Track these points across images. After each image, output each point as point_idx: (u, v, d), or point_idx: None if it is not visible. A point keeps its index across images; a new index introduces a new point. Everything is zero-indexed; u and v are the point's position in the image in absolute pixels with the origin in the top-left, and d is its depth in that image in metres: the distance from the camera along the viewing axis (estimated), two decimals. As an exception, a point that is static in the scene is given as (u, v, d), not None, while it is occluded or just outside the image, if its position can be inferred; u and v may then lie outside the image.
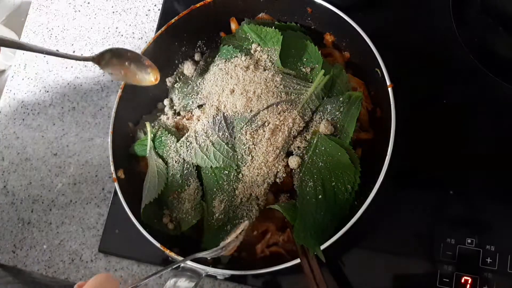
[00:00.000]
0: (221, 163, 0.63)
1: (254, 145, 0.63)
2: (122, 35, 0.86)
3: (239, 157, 0.63)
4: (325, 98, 0.64)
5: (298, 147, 0.63)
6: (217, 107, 0.66)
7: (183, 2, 0.82)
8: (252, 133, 0.63)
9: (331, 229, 0.59)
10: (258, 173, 0.62)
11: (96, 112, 0.82)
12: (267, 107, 0.63)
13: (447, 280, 0.62)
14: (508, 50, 0.71)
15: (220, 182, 0.63)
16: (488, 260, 0.61)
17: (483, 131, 0.68)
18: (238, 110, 0.64)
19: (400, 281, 0.64)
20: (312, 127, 0.63)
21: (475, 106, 0.69)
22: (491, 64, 0.70)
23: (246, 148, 0.63)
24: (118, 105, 0.68)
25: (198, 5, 0.69)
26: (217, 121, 0.65)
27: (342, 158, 0.60)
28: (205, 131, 0.65)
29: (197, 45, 0.75)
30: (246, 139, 0.63)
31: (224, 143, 0.63)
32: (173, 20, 0.70)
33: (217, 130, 0.64)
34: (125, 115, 0.69)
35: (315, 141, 0.62)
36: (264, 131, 0.63)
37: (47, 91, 0.85)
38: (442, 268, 0.62)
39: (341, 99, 0.63)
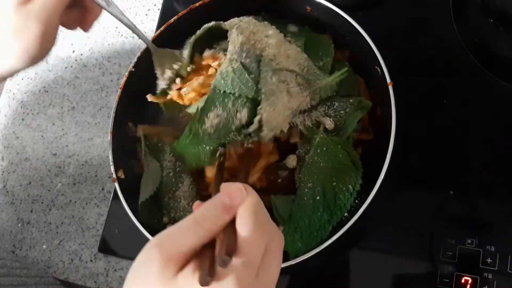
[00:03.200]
0: (236, 90, 0.59)
1: (276, 92, 0.60)
2: (122, 35, 0.86)
3: (260, 91, 0.59)
4: (335, 93, 0.64)
5: (299, 146, 0.63)
6: (248, 38, 0.63)
7: (183, 1, 0.82)
8: (278, 80, 0.60)
9: (327, 228, 0.59)
10: (272, 118, 0.59)
11: (96, 112, 0.82)
12: (290, 70, 0.61)
13: (447, 280, 0.62)
14: (508, 50, 0.71)
15: (226, 100, 0.60)
16: (489, 260, 0.61)
17: (483, 131, 0.68)
18: (267, 55, 0.61)
19: (400, 281, 0.64)
20: (313, 116, 0.63)
21: (475, 106, 0.69)
22: (491, 64, 0.70)
23: (268, 88, 0.59)
24: (118, 105, 0.68)
25: (197, 4, 0.69)
26: (245, 48, 0.61)
27: (344, 159, 0.60)
28: (229, 57, 0.62)
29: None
30: (272, 81, 0.59)
31: (245, 72, 0.60)
32: (172, 20, 0.69)
33: (244, 56, 0.61)
34: (125, 115, 0.69)
35: (316, 141, 0.62)
36: (283, 88, 0.60)
37: (47, 91, 0.85)
38: (442, 268, 0.62)
39: (351, 100, 0.63)
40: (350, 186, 0.59)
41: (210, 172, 0.64)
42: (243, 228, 0.36)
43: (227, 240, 0.36)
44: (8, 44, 0.48)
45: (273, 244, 0.37)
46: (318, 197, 0.59)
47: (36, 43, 0.48)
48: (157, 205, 0.65)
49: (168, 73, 0.66)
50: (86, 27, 0.57)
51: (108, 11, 0.57)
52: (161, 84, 0.67)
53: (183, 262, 0.34)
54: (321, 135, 0.61)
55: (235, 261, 0.34)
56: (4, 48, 0.49)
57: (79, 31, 0.87)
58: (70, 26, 0.56)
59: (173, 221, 0.65)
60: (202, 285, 0.33)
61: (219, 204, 0.37)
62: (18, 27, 0.47)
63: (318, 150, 0.61)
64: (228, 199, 0.37)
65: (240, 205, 0.37)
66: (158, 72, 0.66)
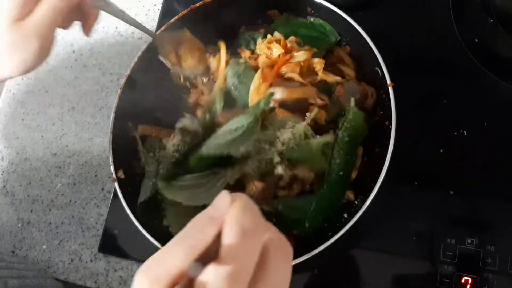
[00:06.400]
0: None
1: None
2: (122, 35, 0.86)
3: None
4: None
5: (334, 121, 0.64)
6: None
7: (183, 1, 0.82)
8: None
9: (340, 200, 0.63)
10: None
11: (96, 112, 0.82)
12: None
13: (447, 280, 0.62)
14: (508, 50, 0.71)
15: None
16: (489, 260, 0.61)
17: (483, 131, 0.68)
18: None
19: (400, 281, 0.64)
20: None
21: (475, 106, 0.69)
22: (491, 64, 0.70)
23: None
24: (118, 105, 0.68)
25: (197, 4, 0.69)
26: None
27: (364, 132, 0.63)
28: None
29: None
30: None
31: None
32: (172, 20, 0.69)
33: None
34: (125, 115, 0.69)
35: (350, 116, 0.63)
36: None
37: (47, 91, 0.85)
38: (442, 268, 0.62)
39: None
40: (354, 157, 0.63)
41: None
42: (226, 234, 0.32)
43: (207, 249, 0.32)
44: (3, 58, 0.49)
45: (272, 249, 0.33)
46: (341, 172, 0.61)
47: (34, 57, 0.49)
48: (157, 207, 0.65)
49: (174, 58, 0.67)
50: (87, 31, 0.57)
51: (107, 12, 0.57)
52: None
53: (173, 282, 0.31)
54: (354, 110, 0.63)
55: (217, 270, 0.30)
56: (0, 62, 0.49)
57: (78, 31, 0.86)
58: (66, 27, 0.55)
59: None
60: None
61: (204, 217, 0.33)
62: (15, 43, 0.48)
63: (348, 125, 0.62)
64: (213, 210, 0.33)
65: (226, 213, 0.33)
66: (165, 59, 0.67)
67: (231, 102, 0.66)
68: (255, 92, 0.64)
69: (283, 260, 0.34)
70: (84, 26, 0.56)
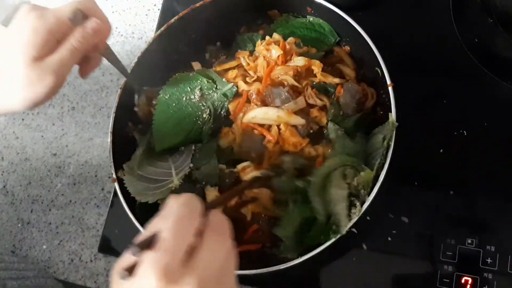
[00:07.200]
0: None
1: None
2: (122, 35, 0.86)
3: None
4: None
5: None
6: None
7: (183, 1, 0.82)
8: None
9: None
10: None
11: (96, 112, 0.82)
12: None
13: (447, 280, 0.62)
14: (508, 50, 0.71)
15: None
16: (488, 260, 0.61)
17: (483, 131, 0.68)
18: None
19: (400, 281, 0.64)
20: None
21: (475, 106, 0.69)
22: (491, 64, 0.70)
23: None
24: (118, 105, 0.68)
25: (197, 4, 0.69)
26: None
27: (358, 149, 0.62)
28: None
29: (196, 45, 0.75)
30: None
31: None
32: (172, 20, 0.69)
33: None
34: (125, 115, 0.69)
35: (363, 174, 0.59)
36: None
37: (47, 91, 0.85)
38: (442, 268, 0.62)
39: None
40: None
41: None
42: (162, 224, 0.37)
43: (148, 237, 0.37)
44: (15, 93, 0.50)
45: (207, 230, 0.38)
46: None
47: (46, 93, 0.50)
48: (156, 207, 0.65)
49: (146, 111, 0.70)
50: (84, 74, 0.58)
51: (107, 59, 0.59)
52: None
53: (131, 266, 0.36)
54: (366, 171, 0.59)
55: (154, 252, 0.35)
56: (10, 95, 0.50)
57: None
58: None
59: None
60: (121, 278, 0.36)
61: (156, 217, 0.39)
62: (31, 79, 0.49)
63: (359, 180, 0.59)
64: (162, 209, 0.39)
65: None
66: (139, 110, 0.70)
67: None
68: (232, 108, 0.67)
69: (217, 240, 0.38)
70: (84, 69, 0.57)
